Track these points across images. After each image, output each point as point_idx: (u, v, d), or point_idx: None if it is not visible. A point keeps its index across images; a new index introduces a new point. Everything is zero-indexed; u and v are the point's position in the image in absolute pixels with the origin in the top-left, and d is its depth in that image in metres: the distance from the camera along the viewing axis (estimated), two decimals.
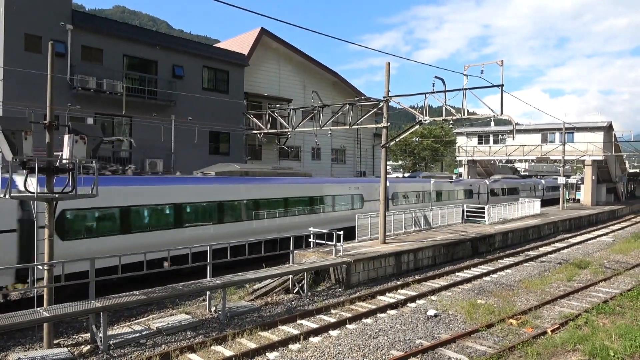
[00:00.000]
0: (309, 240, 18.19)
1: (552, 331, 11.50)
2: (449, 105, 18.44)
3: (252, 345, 10.61)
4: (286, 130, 26.56)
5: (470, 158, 47.76)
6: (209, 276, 13.44)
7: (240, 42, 33.57)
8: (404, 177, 44.85)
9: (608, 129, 43.16)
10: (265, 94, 32.92)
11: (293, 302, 14.42)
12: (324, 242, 17.90)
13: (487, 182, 42.08)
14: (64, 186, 10.74)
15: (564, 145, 40.74)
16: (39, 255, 12.70)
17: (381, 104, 20.41)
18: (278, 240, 16.28)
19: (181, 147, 26.16)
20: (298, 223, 22.10)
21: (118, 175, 17.55)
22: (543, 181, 55.18)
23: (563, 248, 25.30)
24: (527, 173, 62.19)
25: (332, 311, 13.44)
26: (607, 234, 31.57)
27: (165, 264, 14.47)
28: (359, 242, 20.24)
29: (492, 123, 46.49)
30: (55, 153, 10.84)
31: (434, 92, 18.28)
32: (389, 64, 19.67)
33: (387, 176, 25.35)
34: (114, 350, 10.45)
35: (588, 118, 63.51)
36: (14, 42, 20.64)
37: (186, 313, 13.09)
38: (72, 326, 12.37)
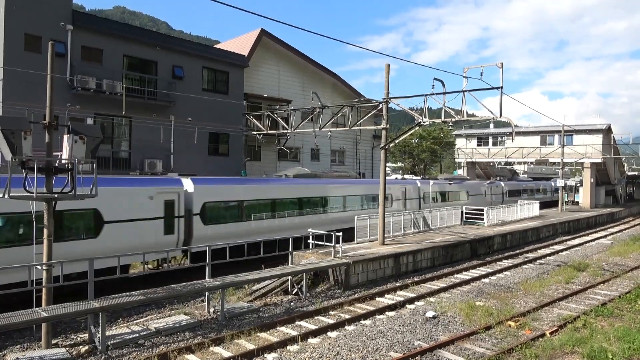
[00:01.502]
0: (308, 241, 18.19)
1: (551, 333, 11.51)
2: (449, 107, 18.46)
3: (250, 346, 10.62)
4: (286, 131, 26.55)
5: (469, 160, 47.81)
6: (208, 277, 13.44)
7: (240, 43, 33.56)
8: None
9: (607, 131, 43.24)
10: (265, 95, 32.91)
11: (292, 303, 14.41)
12: (322, 243, 17.90)
13: (420, 184, 32.43)
14: (63, 186, 10.74)
15: (563, 147, 40.80)
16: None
17: (380, 105, 20.43)
18: (277, 242, 16.25)
19: (181, 148, 26.16)
20: None
21: None
22: (502, 183, 44.79)
23: (562, 250, 25.31)
24: (526, 175, 62.14)
25: (331, 312, 13.45)
26: (605, 236, 31.58)
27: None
28: (357, 243, 20.24)
29: (492, 125, 46.63)
30: (54, 153, 10.84)
31: (433, 94, 18.32)
32: (388, 65, 19.70)
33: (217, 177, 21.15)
34: (112, 351, 10.44)
35: (587, 120, 63.40)
36: (14, 42, 20.62)
37: (185, 314, 13.08)
38: (70, 326, 12.37)
